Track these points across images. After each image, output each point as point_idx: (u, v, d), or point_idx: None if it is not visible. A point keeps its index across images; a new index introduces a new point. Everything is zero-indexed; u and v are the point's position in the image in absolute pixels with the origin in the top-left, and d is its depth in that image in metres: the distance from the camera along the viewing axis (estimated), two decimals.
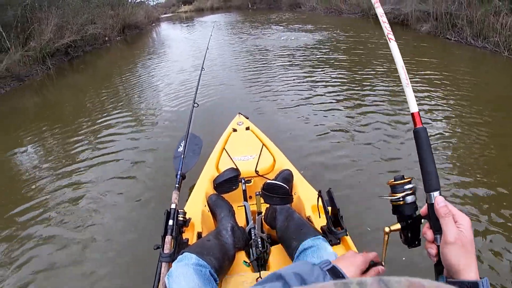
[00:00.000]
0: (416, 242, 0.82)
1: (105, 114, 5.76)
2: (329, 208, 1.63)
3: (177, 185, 1.83)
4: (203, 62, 3.48)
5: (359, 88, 5.74)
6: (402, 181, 0.82)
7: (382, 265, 0.88)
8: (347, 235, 1.59)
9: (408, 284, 0.32)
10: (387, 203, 0.86)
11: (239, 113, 3.43)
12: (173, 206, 1.66)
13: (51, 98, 7.87)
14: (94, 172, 3.89)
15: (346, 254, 0.91)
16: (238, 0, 33.22)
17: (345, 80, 6.19)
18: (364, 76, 6.34)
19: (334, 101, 5.23)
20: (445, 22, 8.72)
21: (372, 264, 0.88)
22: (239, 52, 9.79)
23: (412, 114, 0.85)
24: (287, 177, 2.14)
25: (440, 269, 0.72)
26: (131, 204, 3.25)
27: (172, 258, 1.46)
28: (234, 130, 3.03)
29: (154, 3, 37.66)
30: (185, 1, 41.72)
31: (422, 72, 6.18)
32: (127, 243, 2.75)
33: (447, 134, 3.99)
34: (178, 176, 1.91)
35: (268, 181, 1.61)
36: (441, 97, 5.05)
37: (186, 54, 10.59)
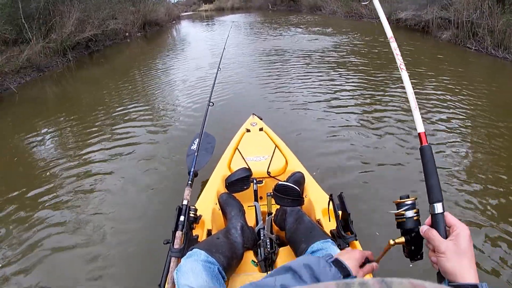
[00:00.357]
0: (419, 256, 0.88)
1: (121, 108, 5.86)
2: (340, 212, 1.63)
3: (189, 182, 1.84)
4: (220, 61, 3.50)
5: (373, 92, 5.70)
6: (405, 200, 0.89)
7: (377, 262, 0.97)
8: (356, 240, 1.59)
9: (410, 286, 0.33)
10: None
11: (253, 113, 3.42)
12: (185, 202, 1.68)
13: (70, 90, 8.03)
14: (107, 164, 3.97)
15: (345, 249, 0.99)
16: (259, 1, 33.28)
17: (361, 84, 6.16)
18: (379, 81, 6.30)
19: (349, 104, 5.22)
20: (466, 30, 8.59)
21: (367, 261, 0.94)
22: (257, 53, 9.82)
23: (419, 134, 0.95)
24: (298, 179, 2.14)
25: (442, 276, 0.77)
26: (143, 197, 3.29)
27: (181, 253, 1.48)
28: (248, 130, 3.03)
29: (175, 0, 38.06)
30: (206, 0, 41.94)
31: (440, 79, 6.11)
32: (137, 235, 2.79)
33: (457, 143, 3.94)
34: (191, 173, 1.92)
35: (280, 182, 1.61)
36: (457, 107, 4.96)
37: (204, 52, 10.66)
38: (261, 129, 3.04)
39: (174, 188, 3.28)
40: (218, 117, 4.85)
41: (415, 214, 0.89)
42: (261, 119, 3.32)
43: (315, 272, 0.75)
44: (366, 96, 5.59)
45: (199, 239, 1.69)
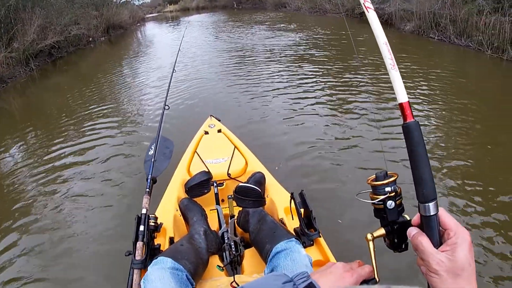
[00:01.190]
0: (403, 246, 0.73)
1: (85, 116, 5.75)
2: (302, 210, 1.63)
3: (147, 190, 1.79)
4: (175, 63, 3.43)
5: (337, 85, 5.82)
6: (385, 181, 0.70)
7: (376, 281, 0.73)
8: (320, 236, 1.60)
9: None
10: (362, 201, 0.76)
11: (211, 115, 3.36)
12: (143, 211, 1.62)
13: (34, 100, 7.75)
14: (70, 175, 3.90)
15: (330, 267, 0.75)
16: (224, 0, 33.12)
17: (323, 79, 6.22)
18: (339, 72, 6.46)
19: (310, 101, 5.26)
20: (428, 21, 8.84)
21: (363, 281, 0.73)
22: (217, 52, 9.77)
23: (401, 105, 0.68)
24: (259, 179, 2.12)
25: None
26: (102, 208, 3.23)
27: (144, 264, 1.44)
28: (206, 132, 2.99)
29: (140, 2, 37.39)
30: (171, 1, 41.43)
31: (404, 71, 6.30)
32: (98, 250, 2.72)
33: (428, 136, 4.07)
34: (149, 180, 1.87)
35: (240, 184, 1.59)
36: (424, 95, 5.16)
37: (167, 53, 10.58)
38: (219, 131, 3.01)
39: (134, 197, 3.22)
40: (176, 120, 4.84)
41: (397, 198, 0.71)
42: (219, 120, 3.28)
43: None
44: (329, 90, 5.68)
45: (161, 248, 1.65)
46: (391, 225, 0.71)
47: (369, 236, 0.72)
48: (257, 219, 1.73)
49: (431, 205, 0.63)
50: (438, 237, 0.63)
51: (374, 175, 0.72)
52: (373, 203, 0.71)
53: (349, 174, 3.33)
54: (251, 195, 1.55)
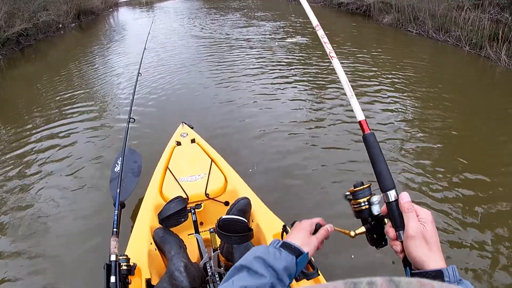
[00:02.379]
0: (383, 242, 0.84)
1: (53, 108, 5.53)
2: None
3: (115, 229, 1.58)
4: (140, 66, 3.16)
5: (315, 85, 5.75)
6: (365, 186, 0.84)
7: (320, 225, 0.90)
8: (319, 275, 1.43)
9: (419, 285, 0.32)
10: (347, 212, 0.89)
11: (182, 122, 3.10)
12: (113, 257, 1.41)
13: (1, 91, 7.38)
14: (35, 172, 3.73)
15: (298, 224, 0.91)
16: None
17: (299, 79, 6.04)
18: (319, 71, 6.35)
19: (287, 97, 5.21)
20: (407, 14, 8.86)
21: (319, 226, 0.89)
22: (187, 46, 9.21)
23: (360, 122, 0.89)
24: (243, 207, 1.84)
25: (407, 263, 0.73)
26: (65, 247, 2.77)
27: None
28: (178, 143, 2.73)
29: None
30: None
31: (382, 63, 6.37)
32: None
33: (402, 125, 4.24)
34: (116, 205, 1.68)
35: (223, 216, 1.41)
36: (400, 89, 5.27)
37: (139, 42, 9.88)
38: (193, 141, 2.75)
39: (101, 225, 2.81)
40: (144, 128, 4.45)
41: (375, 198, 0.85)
42: (192, 128, 3.03)
43: (267, 261, 0.73)
44: (305, 86, 5.66)
45: None
46: (370, 222, 0.84)
47: (351, 233, 0.85)
48: (242, 252, 1.59)
49: (392, 192, 0.78)
50: (401, 220, 0.75)
51: (353, 186, 0.86)
52: (360, 206, 0.84)
53: (330, 183, 3.29)
54: (236, 228, 1.39)
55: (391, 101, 4.86)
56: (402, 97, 4.99)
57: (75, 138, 4.45)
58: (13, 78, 8.19)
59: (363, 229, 0.85)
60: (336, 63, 0.96)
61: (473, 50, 6.75)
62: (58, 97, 6.06)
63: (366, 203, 0.83)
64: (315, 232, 0.88)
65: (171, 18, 14.78)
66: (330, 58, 0.98)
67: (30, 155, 4.17)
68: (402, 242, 0.74)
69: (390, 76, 5.74)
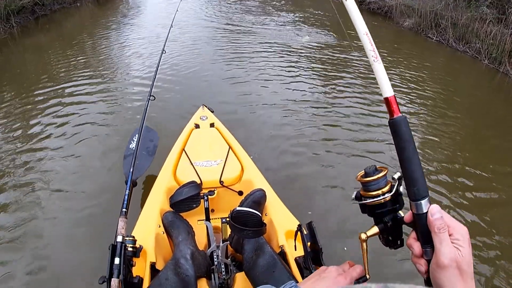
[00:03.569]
0: (399, 243, 0.70)
1: (65, 81, 5.43)
2: (309, 243, 1.43)
3: (124, 209, 1.55)
4: (165, 44, 3.11)
5: (336, 78, 5.64)
6: (377, 176, 0.67)
7: (367, 278, 0.75)
8: None
9: None
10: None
11: (203, 105, 3.03)
12: (119, 238, 1.38)
13: (13, 58, 7.34)
14: (44, 145, 3.68)
15: (323, 271, 0.74)
16: None
17: (323, 73, 5.97)
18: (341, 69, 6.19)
19: (313, 95, 5.07)
20: (428, 20, 8.66)
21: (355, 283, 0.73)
22: (213, 31, 8.95)
23: (386, 99, 0.66)
24: (258, 199, 1.79)
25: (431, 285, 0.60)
26: (74, 224, 2.76)
27: None
28: (197, 126, 2.66)
29: None
30: None
31: (397, 68, 6.23)
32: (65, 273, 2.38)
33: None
34: (128, 183, 1.65)
35: (237, 208, 1.37)
36: (413, 97, 5.18)
37: (158, 22, 9.75)
38: (212, 125, 2.68)
39: (110, 203, 2.78)
40: (162, 107, 4.34)
41: (389, 194, 0.68)
42: (212, 112, 2.95)
43: None
44: (329, 83, 5.51)
45: (142, 276, 1.43)
46: (384, 222, 0.69)
47: (363, 236, 0.70)
48: (254, 247, 1.55)
49: (423, 202, 0.62)
50: (429, 236, 0.60)
51: (363, 171, 0.69)
52: (373, 201, 0.68)
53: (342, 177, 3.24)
54: (250, 221, 1.34)
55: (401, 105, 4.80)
56: (416, 101, 4.95)
57: (89, 115, 4.40)
58: (25, 46, 8.14)
59: (375, 230, 0.70)
60: (350, 4, 0.72)
61: (491, 64, 6.59)
62: (73, 67, 6.02)
63: (383, 196, 0.67)
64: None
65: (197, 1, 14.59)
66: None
67: (43, 126, 4.15)
68: (428, 260, 0.61)
69: (402, 79, 5.68)
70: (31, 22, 10.02)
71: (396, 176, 0.67)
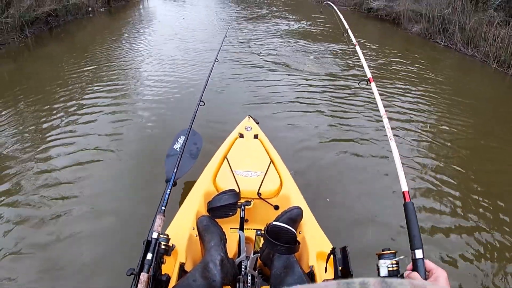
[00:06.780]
0: None
1: (83, 90, 5.53)
2: (340, 268, 1.42)
3: (163, 207, 1.56)
4: (218, 53, 3.16)
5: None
6: (393, 251, 1.04)
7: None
8: None
9: (411, 287, 0.32)
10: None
11: (249, 115, 3.05)
12: (154, 235, 1.39)
13: (28, 68, 7.50)
14: (67, 161, 3.63)
15: None
16: None
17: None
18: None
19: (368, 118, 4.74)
20: (436, 25, 8.66)
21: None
22: (262, 43, 8.35)
23: (403, 192, 1.12)
24: (295, 217, 1.79)
25: None
26: (108, 212, 2.89)
27: None
28: (241, 135, 2.69)
29: None
30: None
31: (407, 73, 6.22)
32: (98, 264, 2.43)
33: (421, 139, 4.16)
34: (171, 182, 1.66)
35: (274, 222, 1.40)
36: (423, 102, 5.15)
37: (172, 33, 9.91)
38: (256, 136, 2.69)
39: (147, 199, 2.83)
40: (207, 113, 4.17)
41: (394, 265, 1.01)
42: (257, 123, 2.96)
43: None
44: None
45: (170, 275, 1.45)
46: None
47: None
48: (283, 264, 1.54)
49: (419, 251, 0.97)
50: (425, 275, 0.92)
51: (381, 250, 1.05)
52: (391, 265, 1.02)
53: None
54: (284, 237, 1.36)
55: (414, 110, 4.80)
56: (424, 104, 4.94)
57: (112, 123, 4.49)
58: (40, 56, 8.31)
59: None
60: (393, 145, 1.37)
61: (500, 67, 6.56)
62: (87, 77, 6.18)
63: (396, 265, 1.01)
64: None
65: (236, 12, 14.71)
66: (389, 140, 1.39)
67: (83, 129, 4.27)
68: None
69: (410, 84, 5.65)
70: (45, 33, 10.27)
71: None
